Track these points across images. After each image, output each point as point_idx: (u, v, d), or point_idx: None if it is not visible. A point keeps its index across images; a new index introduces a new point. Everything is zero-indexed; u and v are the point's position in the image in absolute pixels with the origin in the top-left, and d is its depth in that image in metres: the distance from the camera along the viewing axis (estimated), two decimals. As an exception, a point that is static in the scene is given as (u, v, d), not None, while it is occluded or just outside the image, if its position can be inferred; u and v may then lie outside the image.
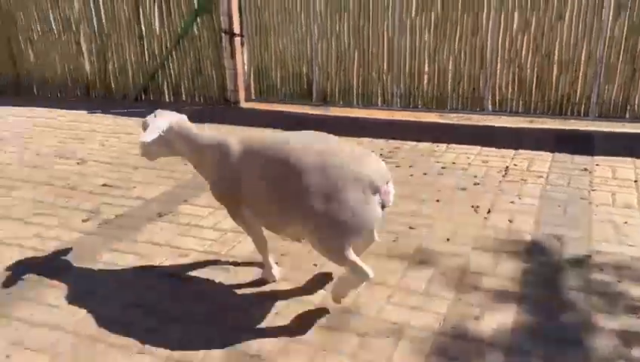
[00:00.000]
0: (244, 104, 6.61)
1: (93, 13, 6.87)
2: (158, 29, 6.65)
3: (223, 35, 6.29)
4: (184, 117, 2.77)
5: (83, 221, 3.52)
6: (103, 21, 6.85)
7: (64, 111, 6.71)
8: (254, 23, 6.28)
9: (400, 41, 5.75)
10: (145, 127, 2.73)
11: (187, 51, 6.63)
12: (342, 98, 6.22)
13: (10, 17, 7.29)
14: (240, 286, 2.69)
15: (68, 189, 4.11)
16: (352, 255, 2.29)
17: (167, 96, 6.95)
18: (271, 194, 2.37)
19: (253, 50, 6.38)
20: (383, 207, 2.30)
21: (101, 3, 6.78)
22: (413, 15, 5.63)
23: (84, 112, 6.59)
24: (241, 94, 6.58)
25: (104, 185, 4.16)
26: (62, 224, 3.49)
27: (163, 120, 2.71)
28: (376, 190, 2.23)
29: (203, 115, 5.99)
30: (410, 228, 3.24)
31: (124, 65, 6.99)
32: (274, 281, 2.72)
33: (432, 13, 5.57)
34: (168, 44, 6.67)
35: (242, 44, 6.38)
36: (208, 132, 2.73)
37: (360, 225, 2.23)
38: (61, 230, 3.40)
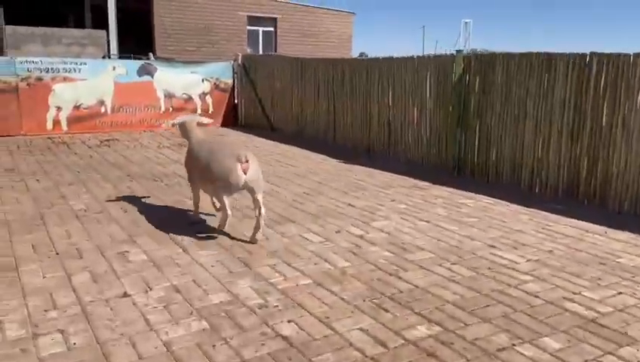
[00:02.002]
0: None
1: None
2: None
3: None
4: (194, 118, 5.23)
5: None
6: None
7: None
8: None
9: None
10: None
11: None
12: None
13: None
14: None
15: None
16: (226, 201, 4.39)
17: None
18: (199, 169, 4.62)
19: None
20: (245, 173, 4.24)
21: None
22: None
23: None
24: None
25: None
26: None
27: (182, 118, 5.24)
28: (239, 160, 4.21)
29: None
30: None
31: None
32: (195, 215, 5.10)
33: None
34: None
35: None
36: (197, 132, 5.04)
37: (230, 180, 4.25)
38: None
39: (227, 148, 4.55)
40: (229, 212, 4.40)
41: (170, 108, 11.81)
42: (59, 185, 6.54)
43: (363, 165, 8.15)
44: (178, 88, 11.86)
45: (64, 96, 10.69)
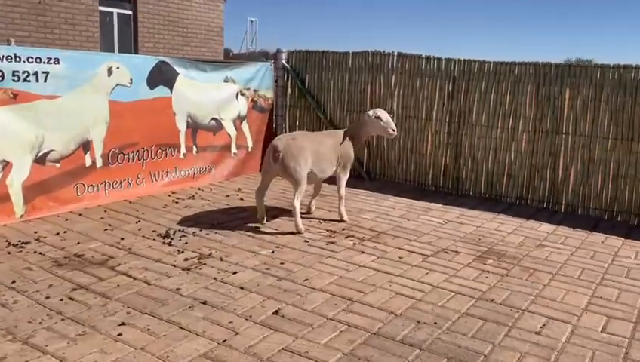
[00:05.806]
0: None
1: None
2: None
3: None
4: (366, 119, 5.10)
5: None
6: None
7: None
8: None
9: None
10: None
11: None
12: None
13: None
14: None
15: None
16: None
17: None
18: None
19: None
20: (275, 161, 4.62)
21: None
22: None
23: None
24: None
25: None
26: None
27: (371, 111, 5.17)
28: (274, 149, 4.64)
29: None
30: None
31: None
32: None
33: None
34: None
35: None
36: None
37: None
38: None
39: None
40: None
41: (195, 149, 6.26)
42: None
43: None
44: (207, 110, 6.35)
45: (15, 137, 4.49)
